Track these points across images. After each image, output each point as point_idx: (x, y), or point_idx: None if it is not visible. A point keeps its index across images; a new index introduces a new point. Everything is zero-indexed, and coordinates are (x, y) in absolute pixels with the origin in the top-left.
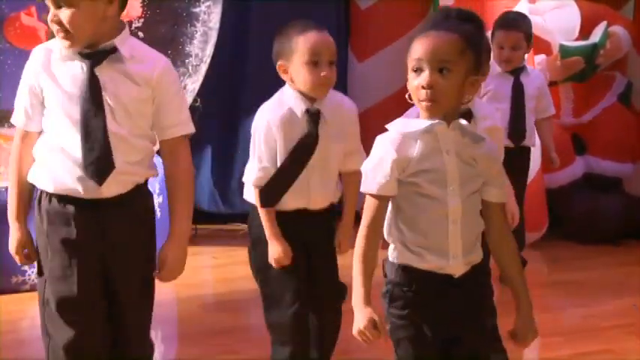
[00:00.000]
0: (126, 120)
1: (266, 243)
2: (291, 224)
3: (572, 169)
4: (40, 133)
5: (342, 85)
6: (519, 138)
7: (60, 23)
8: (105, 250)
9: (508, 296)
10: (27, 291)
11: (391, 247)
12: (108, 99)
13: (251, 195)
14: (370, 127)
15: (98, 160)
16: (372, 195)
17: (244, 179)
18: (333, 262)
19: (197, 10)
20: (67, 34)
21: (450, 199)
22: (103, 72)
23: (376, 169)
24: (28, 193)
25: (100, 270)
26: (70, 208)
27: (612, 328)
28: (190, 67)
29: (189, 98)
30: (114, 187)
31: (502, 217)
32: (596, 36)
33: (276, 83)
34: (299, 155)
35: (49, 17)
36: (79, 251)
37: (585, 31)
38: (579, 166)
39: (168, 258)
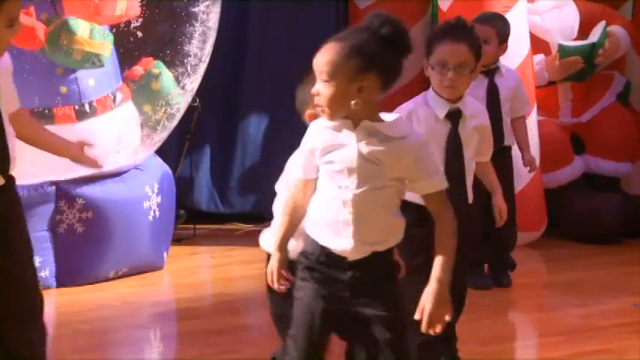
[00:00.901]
0: None
1: None
2: None
3: (571, 169)
4: None
5: None
6: (498, 141)
7: None
8: None
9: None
10: None
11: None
12: None
13: None
14: None
15: None
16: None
17: None
18: None
19: (196, 9)
20: None
21: (348, 191)
22: None
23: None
24: None
25: None
26: None
27: (611, 327)
28: (189, 67)
29: (188, 98)
30: None
31: (439, 205)
32: (594, 36)
33: (274, 83)
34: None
35: None
36: None
37: (584, 31)
38: (578, 165)
39: None
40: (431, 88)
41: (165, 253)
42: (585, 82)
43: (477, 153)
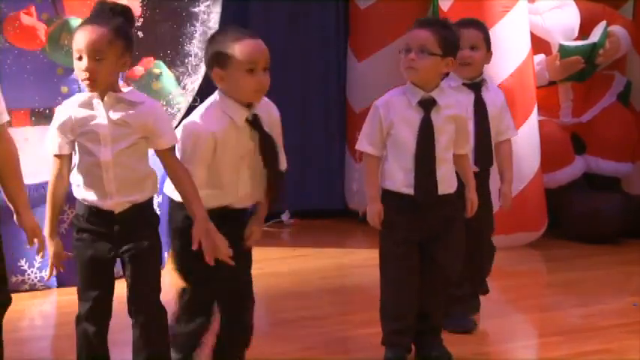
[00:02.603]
0: None
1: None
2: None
3: (572, 169)
4: None
5: (341, 84)
6: (487, 162)
7: None
8: None
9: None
10: (26, 290)
11: None
12: None
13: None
14: None
15: None
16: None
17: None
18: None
19: (196, 9)
20: None
21: (102, 153)
22: None
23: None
24: None
25: None
26: None
27: (612, 327)
28: (190, 67)
29: (189, 97)
30: None
31: (169, 158)
32: (595, 36)
33: (273, 82)
34: (270, 157)
35: None
36: None
37: (584, 31)
38: (579, 165)
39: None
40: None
41: (166, 253)
42: (586, 82)
43: (454, 145)
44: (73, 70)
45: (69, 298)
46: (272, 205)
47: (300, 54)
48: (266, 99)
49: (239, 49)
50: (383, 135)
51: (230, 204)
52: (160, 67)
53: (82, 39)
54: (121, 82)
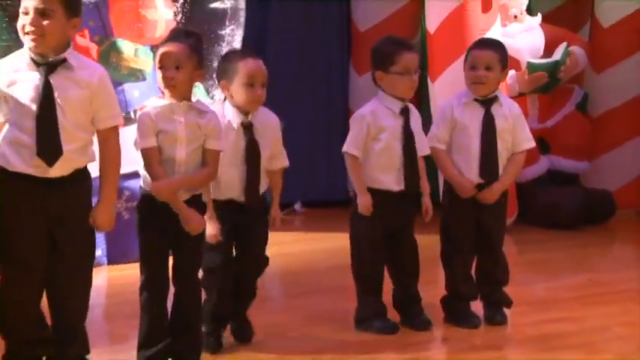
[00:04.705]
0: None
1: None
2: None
3: (538, 167)
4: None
5: (344, 96)
6: (492, 174)
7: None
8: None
9: None
10: None
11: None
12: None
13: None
14: None
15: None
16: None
17: None
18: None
19: (223, 32)
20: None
21: (177, 152)
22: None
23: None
24: None
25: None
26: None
27: (571, 299)
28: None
29: (217, 106)
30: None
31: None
32: (557, 54)
33: (288, 97)
34: (252, 157)
35: None
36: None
37: (549, 51)
38: (543, 163)
39: (99, 216)
40: (381, 92)
41: None
42: (550, 93)
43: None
44: (119, 83)
45: (118, 273)
46: (248, 197)
47: (310, 70)
48: (266, 109)
49: (242, 66)
50: (370, 140)
51: (234, 197)
52: None
53: (165, 52)
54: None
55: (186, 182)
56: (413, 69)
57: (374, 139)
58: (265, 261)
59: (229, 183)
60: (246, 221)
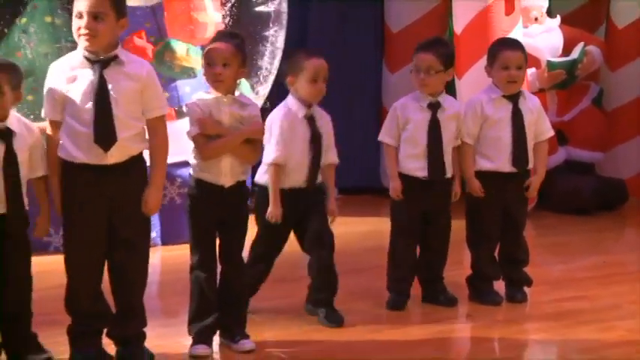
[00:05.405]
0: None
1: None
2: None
3: (557, 157)
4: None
5: (377, 92)
6: (524, 163)
7: None
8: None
9: None
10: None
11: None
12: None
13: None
14: None
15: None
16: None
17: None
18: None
19: (267, 33)
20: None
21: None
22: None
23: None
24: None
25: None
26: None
27: (586, 279)
28: (261, 77)
29: (260, 101)
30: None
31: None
32: (575, 53)
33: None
34: (316, 146)
35: None
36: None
37: (567, 50)
38: (561, 154)
39: (149, 199)
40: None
41: None
42: (568, 89)
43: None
44: (172, 80)
45: (171, 253)
46: (310, 183)
47: (348, 68)
48: (318, 108)
49: (308, 63)
50: (399, 130)
51: (297, 185)
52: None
53: (214, 50)
54: None
55: (230, 143)
56: (423, 69)
57: (402, 129)
58: (330, 236)
59: (296, 169)
60: (307, 204)
